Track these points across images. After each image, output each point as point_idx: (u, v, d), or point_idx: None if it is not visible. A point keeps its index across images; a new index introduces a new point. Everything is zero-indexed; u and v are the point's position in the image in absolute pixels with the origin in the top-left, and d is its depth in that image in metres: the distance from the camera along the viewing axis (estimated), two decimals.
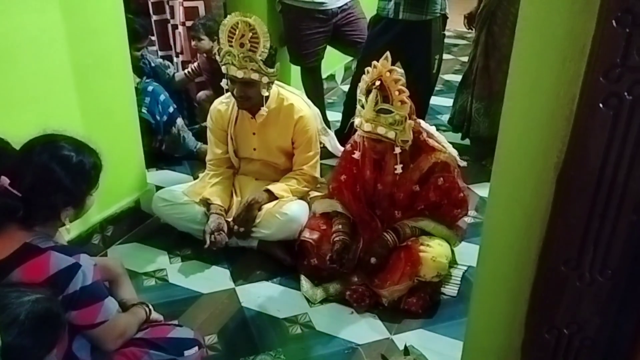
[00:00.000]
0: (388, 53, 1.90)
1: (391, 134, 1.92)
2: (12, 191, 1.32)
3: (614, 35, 0.71)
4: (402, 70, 1.95)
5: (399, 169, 1.99)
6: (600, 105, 0.73)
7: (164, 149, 3.15)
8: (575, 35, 0.75)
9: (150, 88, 3.06)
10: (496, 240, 0.93)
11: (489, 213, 0.97)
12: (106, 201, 2.34)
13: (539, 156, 0.80)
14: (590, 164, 0.76)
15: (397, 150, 1.96)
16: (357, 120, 1.99)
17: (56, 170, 1.39)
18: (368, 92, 1.92)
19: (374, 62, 1.90)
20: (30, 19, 1.89)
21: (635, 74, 0.71)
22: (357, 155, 2.09)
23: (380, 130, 1.92)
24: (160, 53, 3.52)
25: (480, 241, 0.99)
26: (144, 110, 2.96)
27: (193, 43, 3.21)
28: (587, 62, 0.74)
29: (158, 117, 3.08)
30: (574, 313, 0.81)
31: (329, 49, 3.38)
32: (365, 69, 1.95)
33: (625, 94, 0.72)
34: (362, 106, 1.95)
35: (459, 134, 3.43)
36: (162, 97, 3.09)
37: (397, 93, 1.88)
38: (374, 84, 1.89)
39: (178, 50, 3.42)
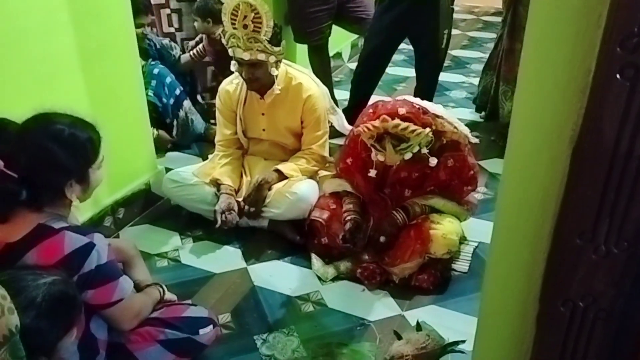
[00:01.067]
0: (385, 117, 1.88)
1: (416, 149, 1.96)
2: (8, 173, 1.31)
3: (631, 4, 0.69)
4: (404, 123, 1.90)
5: (433, 161, 2.01)
6: (617, 76, 0.72)
7: (174, 136, 3.13)
8: (591, 5, 0.73)
9: (156, 71, 3.05)
10: (510, 215, 0.93)
11: (502, 187, 0.96)
12: (117, 183, 2.36)
13: (554, 129, 0.79)
14: (606, 135, 0.75)
15: (425, 150, 1.98)
16: (380, 158, 2.01)
17: (49, 146, 1.37)
18: (379, 140, 1.94)
19: (373, 123, 1.89)
20: (36, 3, 1.88)
21: None
22: (373, 173, 2.10)
23: (407, 156, 1.96)
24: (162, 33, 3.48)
25: (493, 216, 0.99)
26: (150, 93, 2.94)
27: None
28: (603, 32, 0.73)
29: (165, 100, 3.06)
30: (588, 285, 0.82)
31: (334, 26, 3.35)
32: (364, 125, 1.92)
33: None
34: (377, 149, 1.97)
35: (472, 111, 3.41)
36: (168, 80, 3.08)
37: (410, 133, 1.89)
38: (383, 136, 1.91)
39: (176, 26, 3.39)
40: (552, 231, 0.84)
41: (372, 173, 2.10)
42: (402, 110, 1.92)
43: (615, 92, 0.74)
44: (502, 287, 0.98)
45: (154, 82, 3.03)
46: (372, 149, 2.00)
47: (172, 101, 3.09)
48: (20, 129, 1.40)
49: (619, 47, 0.72)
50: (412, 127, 1.88)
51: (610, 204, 0.78)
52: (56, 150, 1.38)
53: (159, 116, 3.06)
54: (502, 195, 0.96)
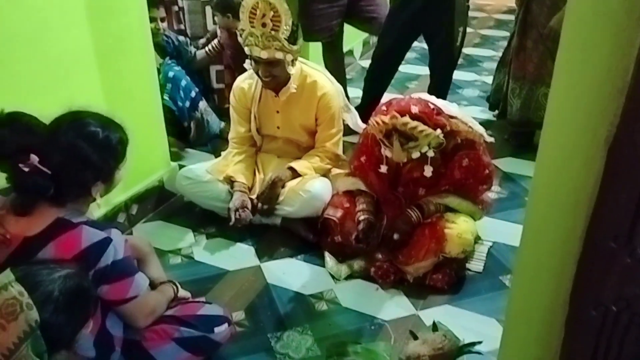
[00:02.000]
0: (394, 105, 1.89)
1: (425, 149, 1.95)
2: (42, 169, 1.33)
3: None
4: (413, 120, 1.89)
5: (428, 172, 2.00)
6: None
7: (190, 139, 3.12)
8: (631, 4, 0.72)
9: (171, 74, 3.03)
10: (541, 216, 0.91)
11: (534, 188, 0.95)
12: (131, 180, 2.35)
13: (589, 129, 0.78)
14: None
15: (431, 153, 1.97)
16: (388, 153, 2.00)
17: (84, 147, 1.40)
18: (387, 135, 1.93)
19: (382, 117, 1.89)
20: (51, 1, 1.88)
21: None
22: (384, 169, 2.10)
23: (415, 155, 1.96)
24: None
25: (523, 216, 0.98)
26: (165, 97, 2.92)
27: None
28: None
29: (180, 104, 3.05)
30: (622, 289, 0.80)
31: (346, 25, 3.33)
32: (373, 120, 1.92)
33: None
34: (385, 145, 1.96)
35: (488, 110, 3.38)
36: (183, 83, 3.06)
37: (419, 132, 1.88)
38: (391, 133, 1.90)
39: (177, 27, 3.36)
40: (584, 234, 0.82)
41: (383, 169, 2.09)
42: (414, 109, 1.90)
43: None
44: (531, 289, 0.97)
45: (169, 86, 3.01)
46: (381, 144, 1.99)
47: (187, 104, 3.07)
48: (52, 125, 1.42)
49: None
50: (422, 127, 1.87)
51: None
52: (91, 151, 1.41)
53: (175, 120, 3.05)
54: (533, 196, 0.95)
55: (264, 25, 2.08)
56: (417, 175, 2.12)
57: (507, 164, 2.92)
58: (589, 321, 0.84)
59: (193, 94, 3.09)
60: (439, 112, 1.99)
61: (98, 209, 1.54)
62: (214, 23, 3.28)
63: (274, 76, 2.20)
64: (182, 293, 1.77)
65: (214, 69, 3.36)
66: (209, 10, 3.29)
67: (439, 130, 1.92)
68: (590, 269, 0.83)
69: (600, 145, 0.78)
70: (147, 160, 2.47)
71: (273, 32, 2.09)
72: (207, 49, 3.23)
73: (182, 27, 3.38)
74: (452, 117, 2.06)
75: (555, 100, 0.85)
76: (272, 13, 2.07)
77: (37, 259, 1.33)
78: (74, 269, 1.29)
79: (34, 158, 1.32)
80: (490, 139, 2.10)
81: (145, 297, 1.53)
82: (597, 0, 0.74)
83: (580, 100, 0.79)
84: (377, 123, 1.90)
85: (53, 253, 1.35)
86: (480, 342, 1.69)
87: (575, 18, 0.79)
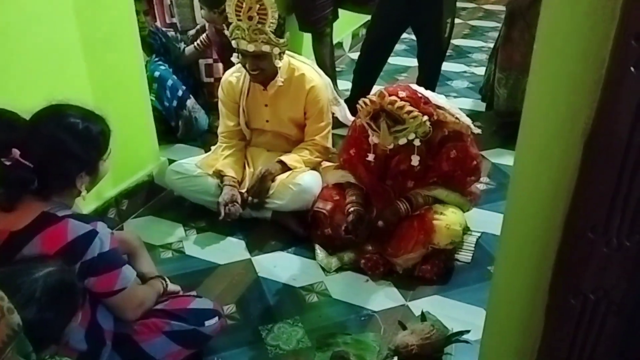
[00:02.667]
0: (383, 89, 1.88)
1: (411, 136, 1.96)
2: (24, 162, 1.33)
3: None
4: (402, 98, 1.89)
5: (415, 161, 2.01)
6: (631, 68, 0.72)
7: (179, 136, 3.11)
8: None
9: (157, 74, 3.01)
10: (521, 207, 0.93)
11: (513, 179, 0.96)
12: (120, 175, 2.35)
13: (567, 122, 0.79)
14: (619, 128, 0.75)
15: (417, 142, 1.97)
16: (374, 139, 2.00)
17: (64, 138, 1.41)
18: (375, 119, 1.92)
19: (371, 97, 1.88)
20: None
21: None
22: (371, 157, 2.10)
23: (402, 141, 1.96)
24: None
25: (504, 207, 0.99)
26: (151, 97, 2.89)
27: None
28: (617, 25, 0.72)
29: (167, 104, 3.03)
30: (600, 278, 0.82)
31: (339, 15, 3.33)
32: (362, 100, 1.92)
33: None
34: (372, 129, 1.95)
35: (478, 101, 3.38)
36: (169, 82, 3.03)
37: (406, 114, 1.87)
38: (379, 114, 1.89)
39: (169, 21, 3.31)
40: (563, 224, 0.84)
41: (371, 157, 2.09)
42: (402, 94, 1.91)
43: (629, 85, 0.73)
44: (512, 278, 0.98)
45: (155, 85, 2.99)
46: (368, 129, 1.99)
47: (175, 103, 3.04)
48: (33, 119, 1.42)
49: (633, 40, 0.71)
50: (409, 107, 1.88)
51: (622, 197, 0.77)
52: (71, 142, 1.41)
53: (163, 119, 3.04)
54: (513, 187, 0.96)
55: (250, 18, 2.08)
56: (405, 168, 2.13)
57: (496, 155, 2.94)
58: (568, 310, 0.86)
59: (180, 93, 3.07)
60: (427, 101, 2.00)
61: (83, 201, 1.54)
62: (202, 17, 3.25)
63: (262, 69, 2.20)
64: (172, 287, 1.78)
65: (203, 63, 3.33)
66: (197, 2, 3.26)
67: (425, 117, 1.93)
68: (570, 259, 0.84)
69: (578, 137, 0.79)
70: (136, 154, 2.47)
71: (259, 25, 2.09)
72: (196, 43, 3.19)
73: (173, 20, 3.34)
74: (439, 107, 2.07)
75: (533, 93, 0.86)
76: (258, 6, 2.07)
77: (18, 259, 1.33)
78: (56, 265, 1.29)
79: (16, 152, 1.32)
80: (477, 131, 2.11)
81: (134, 289, 1.54)
82: None
83: (558, 92, 0.81)
84: (365, 103, 1.91)
85: (39, 247, 1.35)
86: (468, 331, 1.72)
87: (551, 11, 0.80)
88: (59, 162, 1.40)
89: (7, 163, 1.31)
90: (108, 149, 1.51)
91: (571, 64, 0.78)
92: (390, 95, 1.89)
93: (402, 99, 1.88)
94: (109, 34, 2.17)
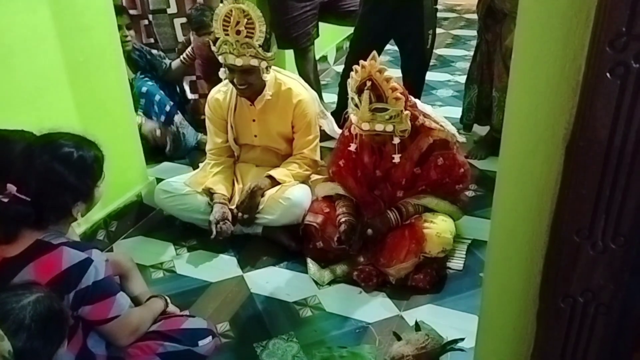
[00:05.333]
0: (375, 53, 1.88)
1: (389, 128, 1.92)
2: (21, 197, 1.33)
3: (619, 4, 0.71)
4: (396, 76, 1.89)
5: (397, 158, 2.00)
6: (607, 74, 0.74)
7: (167, 153, 3.11)
8: (579, 5, 0.75)
9: (144, 89, 3.01)
10: (507, 214, 0.94)
11: (498, 186, 0.97)
12: (108, 197, 2.32)
13: (547, 129, 0.81)
14: (598, 133, 0.76)
15: (396, 140, 1.96)
16: (353, 118, 1.98)
17: (59, 169, 1.40)
18: (360, 91, 1.90)
19: (362, 62, 1.88)
20: (20, 18, 1.87)
21: None
22: (353, 147, 2.10)
23: (379, 127, 1.92)
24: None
25: (490, 215, 1.00)
26: (139, 112, 2.89)
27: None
28: (592, 32, 0.74)
29: (155, 119, 3.03)
30: (588, 281, 0.83)
31: (321, 29, 3.35)
32: (354, 67, 1.92)
33: (632, 62, 0.72)
34: (356, 105, 1.93)
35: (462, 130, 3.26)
36: (157, 97, 3.03)
37: (390, 91, 1.87)
38: (364, 84, 1.87)
39: (146, 41, 3.32)
40: (549, 229, 0.85)
41: (353, 147, 2.09)
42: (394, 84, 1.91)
43: (606, 90, 0.75)
44: (502, 285, 0.99)
45: (142, 101, 2.99)
46: (350, 105, 1.98)
47: (163, 118, 3.05)
48: (25, 151, 1.41)
49: (608, 46, 0.73)
50: (395, 84, 1.88)
51: (605, 200, 0.79)
52: (67, 173, 1.41)
53: None
54: (499, 195, 0.97)
55: (238, 32, 2.09)
56: (392, 174, 2.14)
57: (486, 163, 2.97)
58: (558, 313, 0.87)
59: (168, 108, 3.07)
60: (414, 105, 2.02)
61: (78, 227, 1.54)
62: (184, 35, 3.26)
63: (250, 84, 2.21)
64: (172, 308, 1.77)
65: (187, 80, 3.34)
66: (177, 22, 3.27)
67: (408, 112, 1.93)
68: (557, 263, 0.85)
69: (559, 143, 0.81)
70: (124, 175, 2.46)
71: (247, 39, 2.09)
72: (182, 57, 3.18)
73: (151, 40, 3.36)
74: (425, 115, 2.10)
75: (514, 101, 0.88)
76: (245, 20, 2.08)
77: (7, 286, 1.32)
78: (44, 291, 1.27)
79: (12, 187, 1.31)
80: (462, 139, 2.13)
81: (128, 316, 1.52)
82: (547, 2, 0.77)
83: (538, 99, 0.82)
84: (356, 70, 1.90)
85: (33, 275, 1.34)
86: (462, 339, 1.72)
87: (527, 21, 0.82)
88: (56, 194, 1.40)
89: (4, 200, 1.30)
90: (102, 175, 1.51)
91: (549, 72, 0.80)
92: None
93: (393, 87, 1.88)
94: (91, 56, 2.17)
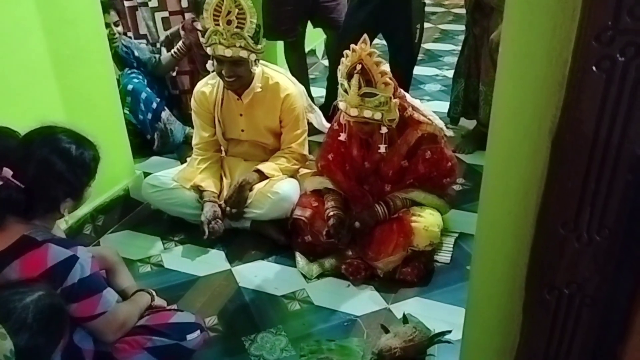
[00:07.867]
0: (366, 36, 1.87)
1: (378, 115, 1.92)
2: (15, 183, 1.32)
3: None
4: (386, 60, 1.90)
5: (383, 148, 1.99)
6: (593, 68, 0.75)
7: (155, 149, 3.08)
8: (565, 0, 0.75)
9: (130, 87, 2.98)
10: (493, 206, 0.95)
11: (485, 180, 0.98)
12: (95, 191, 2.29)
13: (534, 122, 0.81)
14: (584, 126, 0.77)
15: (384, 130, 1.96)
16: (342, 105, 1.98)
17: (58, 163, 1.40)
18: (349, 76, 1.89)
19: (353, 46, 1.87)
20: (4, 11, 1.84)
21: (627, 36, 0.72)
22: (343, 137, 2.09)
23: (367, 113, 1.91)
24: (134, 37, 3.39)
25: (477, 208, 1.01)
26: (125, 110, 2.86)
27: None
28: (578, 26, 0.75)
29: (141, 117, 3.01)
30: (573, 273, 0.84)
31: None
32: (344, 52, 1.91)
33: (618, 56, 0.73)
34: (345, 90, 1.93)
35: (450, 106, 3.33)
36: (143, 95, 3.01)
37: (379, 75, 1.86)
38: (354, 68, 1.86)
39: (142, 32, 3.27)
40: (535, 222, 0.86)
41: (343, 137, 2.09)
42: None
43: (592, 84, 0.76)
44: (488, 277, 1.00)
45: (129, 99, 2.96)
46: (340, 90, 1.97)
47: (149, 116, 3.01)
48: (26, 139, 1.41)
49: (594, 40, 0.74)
50: (385, 68, 1.88)
51: (590, 193, 0.80)
52: (64, 167, 1.41)
53: (137, 132, 3.01)
54: (485, 188, 0.98)
55: (229, 22, 2.07)
56: (381, 167, 2.15)
57: (473, 157, 2.98)
58: (544, 305, 0.88)
59: (154, 105, 3.04)
60: (403, 97, 2.03)
61: (66, 224, 1.53)
62: (164, 29, 3.22)
63: (238, 76, 2.19)
64: (158, 302, 1.76)
65: (168, 76, 3.29)
66: (158, 15, 3.22)
67: (397, 101, 1.93)
68: (543, 255, 0.86)
69: (545, 136, 0.81)
70: (110, 169, 2.41)
71: (238, 30, 2.07)
72: (173, 51, 3.14)
73: (145, 32, 3.31)
74: (414, 108, 2.10)
75: (501, 95, 0.88)
76: (237, 10, 2.06)
77: (6, 283, 1.31)
78: (45, 289, 1.27)
79: (7, 171, 1.31)
80: (450, 133, 2.14)
81: (114, 311, 1.52)
82: None
83: (524, 93, 0.83)
84: (346, 55, 1.89)
85: (18, 271, 1.33)
86: (449, 332, 1.74)
87: (514, 16, 0.83)
88: (50, 185, 1.39)
89: None
90: (95, 175, 1.52)
91: (536, 66, 0.80)
92: None
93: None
94: (78, 50, 2.14)
